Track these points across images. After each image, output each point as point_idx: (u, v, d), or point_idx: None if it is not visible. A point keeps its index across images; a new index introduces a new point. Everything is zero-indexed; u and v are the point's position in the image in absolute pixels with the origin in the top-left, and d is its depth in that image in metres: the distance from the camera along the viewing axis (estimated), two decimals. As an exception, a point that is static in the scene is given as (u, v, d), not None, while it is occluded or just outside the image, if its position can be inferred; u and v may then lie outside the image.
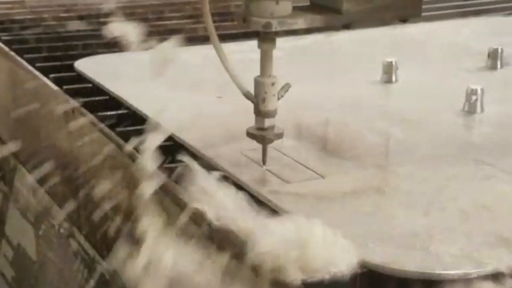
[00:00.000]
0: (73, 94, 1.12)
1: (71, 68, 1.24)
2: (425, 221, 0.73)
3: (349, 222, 0.73)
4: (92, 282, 1.00)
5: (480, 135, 0.97)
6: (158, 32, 1.50)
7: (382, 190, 0.79)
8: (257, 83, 0.81)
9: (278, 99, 0.82)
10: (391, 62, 1.14)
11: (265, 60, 0.81)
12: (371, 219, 0.73)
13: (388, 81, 1.14)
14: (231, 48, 0.86)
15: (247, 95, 0.81)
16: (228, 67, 0.80)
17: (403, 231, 0.71)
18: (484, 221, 0.72)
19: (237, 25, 0.82)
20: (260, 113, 0.82)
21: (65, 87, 1.14)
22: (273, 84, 0.81)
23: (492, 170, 0.84)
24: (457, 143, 0.92)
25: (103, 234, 0.99)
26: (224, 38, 1.36)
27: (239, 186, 0.81)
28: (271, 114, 0.82)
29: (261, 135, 0.82)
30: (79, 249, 1.07)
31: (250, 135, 0.83)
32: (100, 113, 1.03)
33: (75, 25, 1.53)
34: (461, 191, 0.79)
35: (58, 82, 1.17)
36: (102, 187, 0.97)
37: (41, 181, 1.21)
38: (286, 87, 0.83)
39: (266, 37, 0.80)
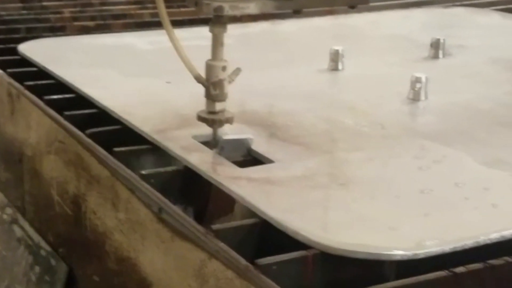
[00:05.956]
0: (17, 77, 1.10)
1: (14, 51, 1.21)
2: (373, 204, 0.74)
3: (301, 206, 0.73)
4: (37, 268, 0.99)
5: (425, 121, 0.99)
6: (102, 17, 1.49)
7: (331, 175, 0.80)
8: (209, 67, 0.81)
9: (229, 83, 0.82)
10: (337, 50, 1.16)
11: (217, 44, 0.81)
12: (322, 203, 0.74)
13: (335, 69, 1.15)
14: (178, 34, 0.85)
15: (198, 79, 0.81)
16: (180, 50, 0.79)
17: (352, 214, 0.72)
18: (428, 205, 0.74)
19: (183, 12, 0.82)
20: (211, 97, 0.82)
21: (9, 70, 1.12)
22: (224, 68, 0.81)
23: (436, 154, 0.86)
24: (403, 129, 0.94)
25: (48, 219, 0.98)
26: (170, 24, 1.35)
27: (190, 170, 0.81)
28: (222, 98, 0.82)
29: (212, 118, 0.82)
30: (23, 235, 1.05)
31: (201, 118, 0.83)
32: (46, 97, 1.01)
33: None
34: (406, 176, 0.81)
35: (1, 65, 1.14)
36: (49, 171, 0.96)
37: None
38: (237, 72, 0.83)
39: (217, 21, 0.80)
